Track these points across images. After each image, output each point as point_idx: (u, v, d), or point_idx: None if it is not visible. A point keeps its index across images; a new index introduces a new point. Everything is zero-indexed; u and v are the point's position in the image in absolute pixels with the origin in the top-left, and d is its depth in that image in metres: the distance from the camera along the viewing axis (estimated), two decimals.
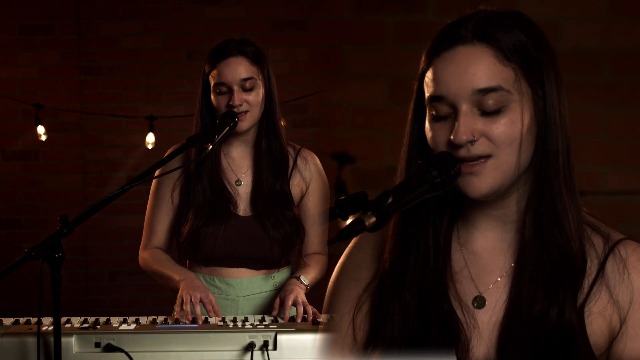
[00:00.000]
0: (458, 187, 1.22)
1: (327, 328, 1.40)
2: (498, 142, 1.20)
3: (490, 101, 1.19)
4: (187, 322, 2.19)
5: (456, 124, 1.19)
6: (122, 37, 5.17)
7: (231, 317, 2.25)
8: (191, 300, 2.28)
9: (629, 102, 3.51)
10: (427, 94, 1.24)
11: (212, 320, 2.24)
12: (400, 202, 1.14)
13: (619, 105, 3.53)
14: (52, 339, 1.82)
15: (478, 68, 1.19)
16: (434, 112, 1.23)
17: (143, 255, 2.58)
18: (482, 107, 1.19)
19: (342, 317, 1.36)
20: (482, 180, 1.21)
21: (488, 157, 1.20)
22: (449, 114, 1.21)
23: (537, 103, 1.22)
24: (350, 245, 1.43)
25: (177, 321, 2.18)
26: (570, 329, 1.20)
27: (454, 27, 1.23)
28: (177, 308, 2.30)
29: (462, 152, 1.20)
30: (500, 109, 1.19)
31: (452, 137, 1.20)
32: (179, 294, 2.33)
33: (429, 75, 1.23)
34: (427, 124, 1.25)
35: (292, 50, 5.14)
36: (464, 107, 1.19)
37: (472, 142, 1.19)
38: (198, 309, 2.27)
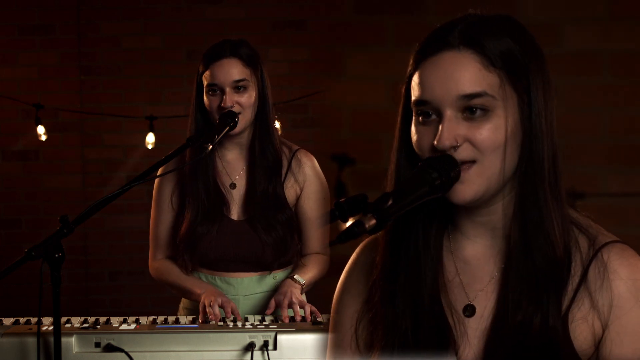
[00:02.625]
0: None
1: (333, 344, 1.42)
2: (482, 147, 1.20)
3: (475, 107, 1.19)
4: (214, 322, 2.20)
5: (440, 128, 1.20)
6: (122, 37, 5.17)
7: (231, 317, 2.25)
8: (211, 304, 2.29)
9: (629, 104, 3.51)
10: (413, 98, 1.24)
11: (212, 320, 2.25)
12: (401, 204, 1.14)
13: (619, 106, 3.53)
14: (52, 339, 1.82)
15: (463, 74, 1.19)
16: (419, 116, 1.24)
17: (155, 265, 2.58)
18: (466, 112, 1.20)
19: (345, 334, 1.38)
20: (467, 187, 1.21)
21: (472, 162, 1.21)
22: (434, 119, 1.22)
23: (522, 109, 1.22)
24: (349, 262, 1.43)
25: (177, 321, 2.18)
26: (554, 335, 1.20)
27: (441, 31, 1.23)
28: (201, 313, 2.31)
29: None
30: (484, 114, 1.20)
31: (435, 142, 1.20)
32: (202, 301, 2.34)
33: (415, 79, 1.24)
34: (412, 127, 1.26)
35: (292, 50, 5.14)
36: (449, 113, 1.20)
37: (455, 147, 1.20)
38: (217, 309, 2.27)
